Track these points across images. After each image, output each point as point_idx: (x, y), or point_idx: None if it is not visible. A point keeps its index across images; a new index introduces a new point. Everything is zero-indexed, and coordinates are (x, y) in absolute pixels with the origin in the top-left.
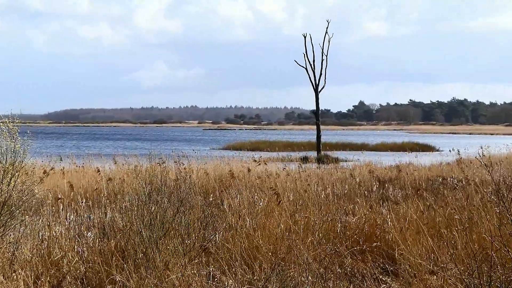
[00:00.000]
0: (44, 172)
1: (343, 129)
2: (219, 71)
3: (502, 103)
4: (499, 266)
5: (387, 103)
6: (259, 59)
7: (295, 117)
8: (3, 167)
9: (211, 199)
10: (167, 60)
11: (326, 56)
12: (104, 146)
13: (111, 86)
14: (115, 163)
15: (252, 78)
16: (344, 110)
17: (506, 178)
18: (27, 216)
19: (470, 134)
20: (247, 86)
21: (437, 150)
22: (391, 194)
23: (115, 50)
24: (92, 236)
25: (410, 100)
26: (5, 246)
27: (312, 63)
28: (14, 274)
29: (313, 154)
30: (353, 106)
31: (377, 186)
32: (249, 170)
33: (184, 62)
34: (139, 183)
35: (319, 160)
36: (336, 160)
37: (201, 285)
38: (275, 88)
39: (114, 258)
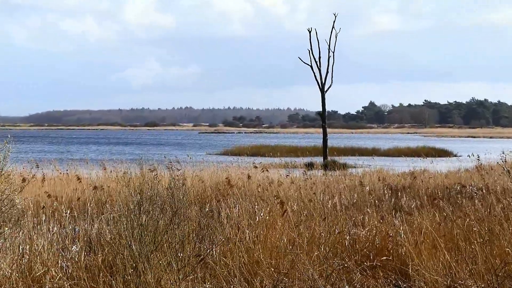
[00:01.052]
0: (24, 180)
1: (352, 133)
2: (216, 69)
3: None
4: None
5: (400, 104)
6: (259, 56)
7: (299, 119)
8: None
9: (207, 209)
10: (159, 58)
11: (333, 52)
12: (90, 151)
13: (98, 85)
14: (104, 169)
15: (252, 77)
16: (353, 112)
17: None
18: (6, 228)
19: (490, 137)
20: (246, 85)
21: (455, 156)
22: (404, 203)
23: (102, 46)
24: (77, 249)
25: (425, 100)
26: None
27: (317, 60)
28: None
29: (319, 159)
30: (363, 107)
31: (389, 194)
32: (249, 177)
33: (177, 60)
34: (129, 191)
35: (326, 166)
36: (344, 166)
37: None
38: (277, 87)
39: (101, 274)
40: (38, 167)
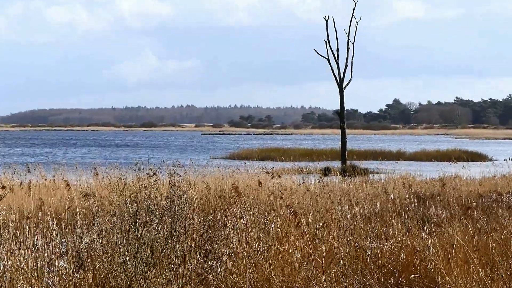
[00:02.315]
0: (3, 187)
1: (374, 134)
2: (220, 63)
3: None
4: None
5: (428, 102)
6: (269, 48)
7: (314, 119)
8: None
9: (211, 220)
10: (156, 50)
11: (353, 43)
12: (79, 154)
13: (87, 81)
14: (96, 174)
15: (261, 71)
16: (375, 111)
17: None
18: None
19: None
20: (255, 81)
21: (490, 160)
22: (433, 213)
23: (92, 37)
24: (65, 266)
25: (456, 98)
26: None
27: (335, 52)
28: None
29: (337, 164)
30: (386, 106)
31: (416, 204)
32: (260, 183)
33: (176, 52)
34: (123, 200)
35: (345, 172)
36: (366, 172)
37: None
38: (289, 83)
39: None
40: (25, 173)
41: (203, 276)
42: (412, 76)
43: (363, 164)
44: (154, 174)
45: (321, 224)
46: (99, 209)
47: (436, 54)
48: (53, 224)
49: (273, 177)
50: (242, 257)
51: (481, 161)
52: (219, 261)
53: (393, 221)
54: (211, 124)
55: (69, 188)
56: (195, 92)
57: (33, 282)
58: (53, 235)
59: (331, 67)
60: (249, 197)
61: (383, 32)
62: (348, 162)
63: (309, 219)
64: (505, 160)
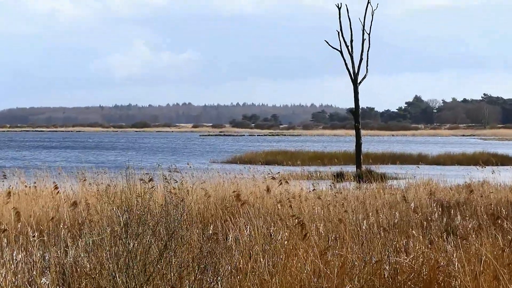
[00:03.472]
0: None
1: (392, 135)
2: (221, 56)
3: None
4: None
5: (453, 99)
6: (274, 39)
7: (325, 118)
8: None
9: (211, 231)
10: (148, 41)
11: (369, 34)
12: (63, 158)
13: (72, 77)
14: (83, 180)
15: (266, 65)
16: (394, 109)
17: None
18: None
19: None
20: (259, 76)
21: None
22: (458, 224)
23: (76, 28)
24: (47, 282)
25: (484, 94)
26: None
27: (349, 44)
28: None
29: (350, 169)
30: (406, 103)
31: (440, 213)
32: (268, 189)
33: (171, 44)
34: (113, 209)
35: (360, 177)
36: (383, 178)
37: None
38: (298, 79)
39: None
40: (1, 179)
41: None
42: (435, 70)
43: (380, 168)
44: (151, 180)
45: (334, 236)
46: (86, 220)
47: (462, 45)
48: (34, 236)
49: (280, 184)
50: (245, 273)
51: None
52: (219, 277)
53: (414, 232)
54: (211, 124)
55: (58, 192)
56: (193, 88)
57: None
58: (34, 249)
59: (345, 60)
60: (253, 205)
61: (402, 21)
62: (363, 167)
63: (320, 230)
64: None
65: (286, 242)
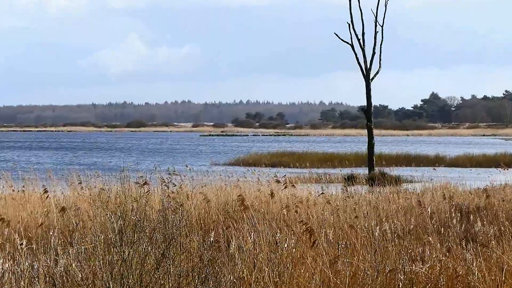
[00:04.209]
0: None
1: (407, 135)
2: (222, 50)
3: None
4: None
5: (473, 96)
6: (280, 32)
7: (335, 117)
8: None
9: (212, 238)
10: (144, 35)
11: (382, 27)
12: (53, 160)
13: (62, 73)
14: (76, 184)
15: (271, 60)
16: (409, 107)
17: None
18: None
19: None
20: (264, 72)
21: None
22: (478, 230)
23: (66, 21)
24: None
25: (506, 91)
26: None
27: (361, 37)
28: None
29: (362, 171)
30: (422, 101)
31: (458, 218)
32: (272, 194)
33: (169, 37)
34: (107, 215)
35: (372, 180)
36: (397, 181)
37: None
38: (305, 75)
39: None
40: None
41: None
42: (453, 65)
43: (394, 171)
44: (145, 184)
45: (344, 243)
46: (78, 226)
47: (483, 39)
48: (22, 244)
49: (286, 187)
50: (249, 284)
51: None
52: None
53: (431, 239)
54: (212, 124)
55: (48, 197)
56: (192, 85)
57: None
58: (22, 257)
59: (356, 54)
60: (257, 211)
61: (418, 12)
62: (376, 169)
63: (330, 237)
64: None
65: (293, 250)
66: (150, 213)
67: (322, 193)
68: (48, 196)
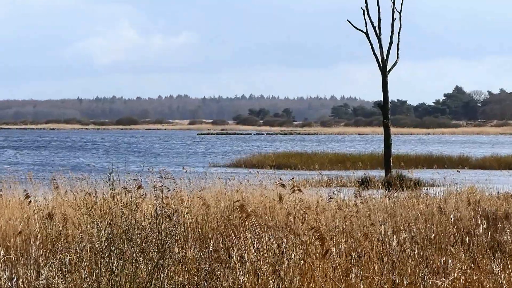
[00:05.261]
0: None
1: (428, 133)
2: (224, 38)
3: None
4: None
5: (501, 90)
6: (288, 20)
7: (348, 113)
8: None
9: (211, 247)
10: (136, 21)
11: (400, 13)
12: (33, 161)
13: (44, 64)
14: (57, 187)
15: (277, 50)
16: (430, 102)
17: None
18: None
19: None
20: (269, 63)
21: None
22: (507, 240)
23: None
24: None
25: None
26: None
27: (376, 24)
28: None
29: (378, 174)
30: (445, 96)
31: (485, 226)
32: (279, 199)
33: (163, 25)
34: (93, 222)
35: (389, 184)
36: (417, 184)
37: None
38: (315, 66)
39: None
40: None
41: None
42: (479, 56)
43: (413, 173)
44: (139, 187)
45: (358, 253)
46: (61, 234)
47: None
48: None
49: (293, 191)
50: None
51: None
52: None
53: (454, 249)
54: (211, 121)
55: (30, 202)
56: (190, 77)
57: None
58: (0, 270)
59: (371, 44)
60: (261, 217)
61: None
62: (393, 171)
63: (342, 247)
64: None
65: (301, 261)
66: (141, 220)
67: (330, 198)
68: (30, 201)
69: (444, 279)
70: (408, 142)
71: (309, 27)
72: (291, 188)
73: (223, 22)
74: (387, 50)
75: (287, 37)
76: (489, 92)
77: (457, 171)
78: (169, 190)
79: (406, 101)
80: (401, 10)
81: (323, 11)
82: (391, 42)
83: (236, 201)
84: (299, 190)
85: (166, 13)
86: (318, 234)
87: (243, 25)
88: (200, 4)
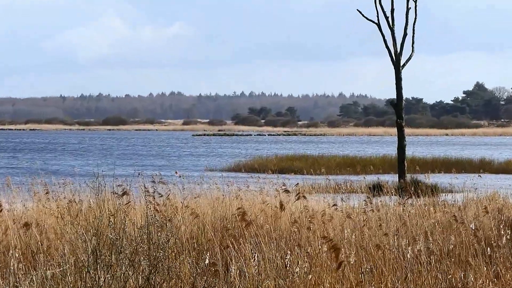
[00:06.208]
0: None
1: (447, 134)
2: (220, 30)
3: None
4: None
5: None
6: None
7: (358, 112)
8: None
9: (207, 260)
10: (124, 12)
11: (415, 2)
12: (11, 166)
13: (23, 59)
14: (46, 193)
15: (280, 44)
16: (448, 100)
17: None
18: None
19: None
20: (271, 58)
21: None
22: None
23: None
24: None
25: None
26: None
27: (389, 15)
28: None
29: (391, 179)
30: (464, 93)
31: (509, 237)
32: (282, 207)
33: (154, 15)
34: (77, 232)
35: (403, 190)
36: (434, 190)
37: None
38: (321, 61)
39: None
40: None
41: None
42: (501, 49)
43: (430, 178)
44: (124, 194)
45: (369, 266)
46: (43, 246)
47: None
48: None
49: (298, 198)
50: None
51: None
52: None
53: (474, 262)
54: (207, 121)
55: (1, 210)
56: (184, 73)
57: None
58: None
59: (383, 36)
60: (262, 227)
61: None
62: (408, 176)
63: (352, 260)
64: None
65: (308, 275)
66: (130, 229)
67: (335, 205)
68: (1, 209)
69: None
70: (424, 144)
71: (315, 17)
72: (296, 195)
73: (221, 12)
74: (401, 43)
75: (292, 29)
76: None
77: (478, 175)
78: (161, 196)
79: (422, 99)
80: None
81: (330, 4)
82: (405, 34)
83: (238, 208)
84: (304, 197)
85: (157, 2)
86: (332, 243)
87: (242, 15)
88: (200, 4)
